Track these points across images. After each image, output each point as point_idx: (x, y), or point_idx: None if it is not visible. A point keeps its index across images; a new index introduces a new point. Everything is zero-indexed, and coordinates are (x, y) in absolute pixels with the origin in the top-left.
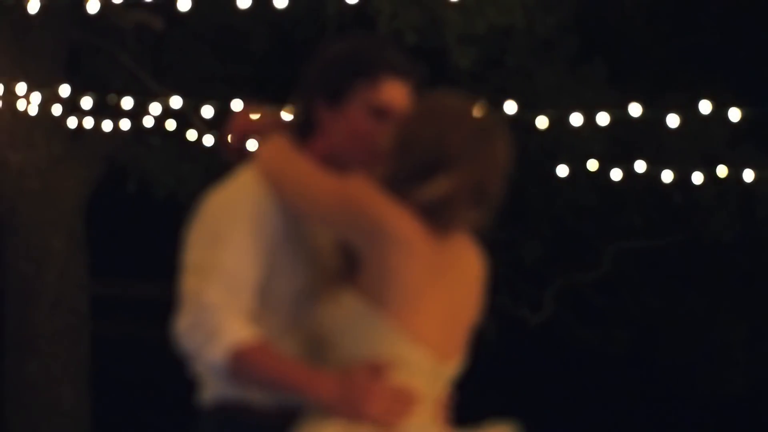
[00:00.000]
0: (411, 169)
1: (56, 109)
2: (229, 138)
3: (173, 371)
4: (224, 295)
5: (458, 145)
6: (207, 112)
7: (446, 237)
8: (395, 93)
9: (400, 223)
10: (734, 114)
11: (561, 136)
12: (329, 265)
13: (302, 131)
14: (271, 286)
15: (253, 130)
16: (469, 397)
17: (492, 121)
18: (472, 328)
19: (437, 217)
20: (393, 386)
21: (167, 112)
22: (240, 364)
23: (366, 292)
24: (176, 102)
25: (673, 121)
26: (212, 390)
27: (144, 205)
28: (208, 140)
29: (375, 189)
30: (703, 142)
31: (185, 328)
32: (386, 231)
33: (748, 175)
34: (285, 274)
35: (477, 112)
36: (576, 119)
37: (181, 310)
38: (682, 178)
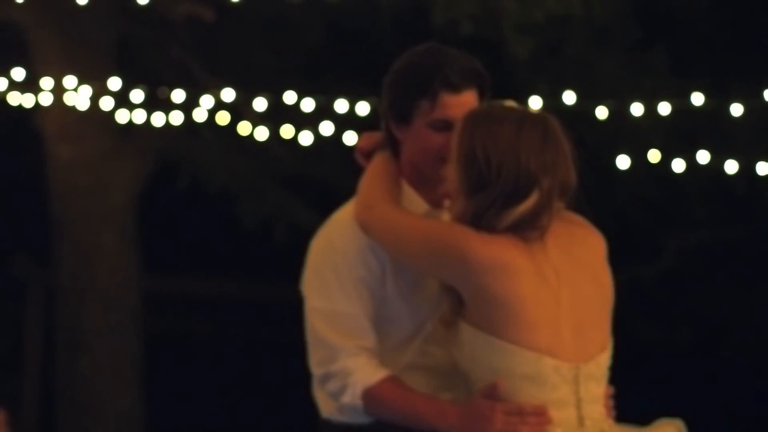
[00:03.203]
0: (498, 197)
1: (106, 103)
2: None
3: (226, 368)
4: (347, 339)
5: (534, 162)
6: (260, 104)
7: (546, 237)
8: (454, 106)
9: (486, 249)
10: None
11: (621, 127)
12: (441, 306)
13: (392, 149)
14: (389, 310)
15: (372, 149)
16: None
17: (546, 121)
18: (609, 316)
19: (531, 228)
20: (516, 403)
21: (219, 105)
22: (373, 403)
23: (478, 324)
24: (228, 95)
25: (736, 110)
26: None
27: (196, 199)
28: (261, 133)
29: (464, 231)
30: None
31: (320, 378)
32: (474, 261)
33: None
34: (400, 296)
35: (532, 117)
36: (637, 109)
37: (311, 348)
38: (746, 169)
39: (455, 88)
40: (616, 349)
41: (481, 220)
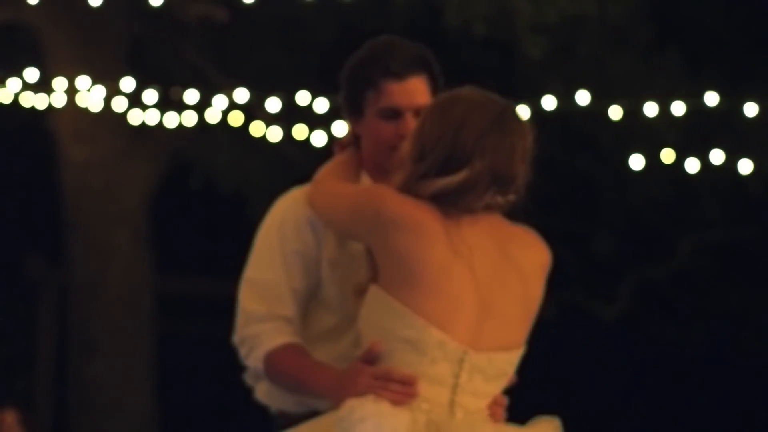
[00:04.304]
0: (429, 169)
1: (119, 104)
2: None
3: (239, 368)
4: (263, 306)
5: (472, 141)
6: (273, 105)
7: (474, 222)
8: (399, 94)
9: (401, 207)
10: None
11: (635, 127)
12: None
13: (357, 145)
14: (325, 292)
15: (348, 144)
16: (543, 392)
17: (506, 111)
18: (527, 325)
19: (452, 203)
20: (385, 367)
21: (232, 106)
22: (271, 368)
23: (383, 285)
24: (241, 95)
25: (750, 110)
26: (266, 401)
27: (209, 200)
28: (274, 134)
29: (384, 189)
30: None
31: (237, 342)
32: (386, 215)
33: None
34: (334, 281)
35: (491, 103)
36: (650, 109)
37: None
38: (760, 169)
39: (398, 76)
40: (630, 347)
41: (409, 187)
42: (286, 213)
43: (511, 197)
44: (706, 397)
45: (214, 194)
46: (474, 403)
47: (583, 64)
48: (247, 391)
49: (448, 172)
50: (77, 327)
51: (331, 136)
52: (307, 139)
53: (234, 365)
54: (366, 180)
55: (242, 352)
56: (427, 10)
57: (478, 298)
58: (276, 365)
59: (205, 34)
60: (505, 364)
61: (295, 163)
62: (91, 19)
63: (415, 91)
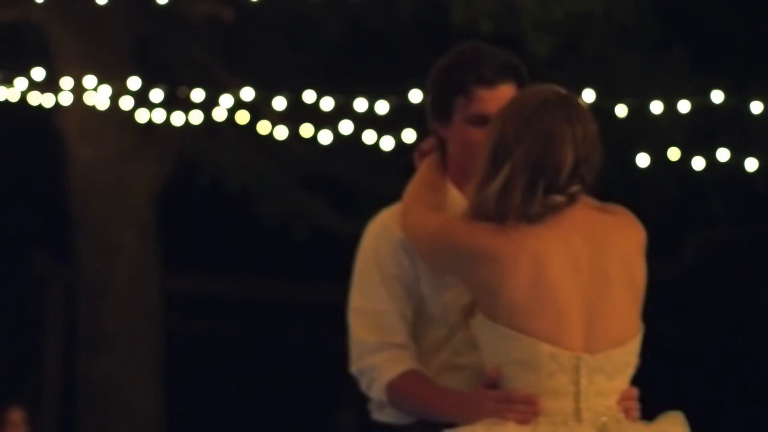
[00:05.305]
0: (485, 170)
1: (126, 103)
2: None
3: (246, 365)
4: (374, 336)
5: (512, 132)
6: (279, 103)
7: (557, 224)
8: (489, 101)
9: (473, 239)
10: None
11: (641, 125)
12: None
13: (440, 149)
14: (429, 309)
15: (430, 151)
16: None
17: (549, 98)
18: (639, 308)
19: (505, 209)
20: (507, 390)
21: (239, 104)
22: (395, 397)
23: (485, 312)
24: (248, 94)
25: (756, 107)
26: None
27: (216, 198)
28: (281, 132)
29: (455, 223)
30: None
31: (356, 374)
32: (463, 252)
33: None
34: (435, 301)
35: (535, 94)
36: (656, 107)
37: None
38: (766, 166)
39: (489, 83)
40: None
41: (478, 200)
42: (379, 239)
43: (586, 182)
44: (713, 394)
45: (220, 193)
46: (601, 403)
47: (589, 62)
48: (251, 390)
49: (496, 170)
50: (85, 325)
51: (337, 135)
52: (314, 138)
53: (239, 362)
54: (452, 190)
55: (362, 384)
56: (433, 7)
57: (582, 300)
58: (399, 394)
59: (212, 33)
60: (625, 356)
61: (302, 162)
62: (98, 18)
63: (505, 98)
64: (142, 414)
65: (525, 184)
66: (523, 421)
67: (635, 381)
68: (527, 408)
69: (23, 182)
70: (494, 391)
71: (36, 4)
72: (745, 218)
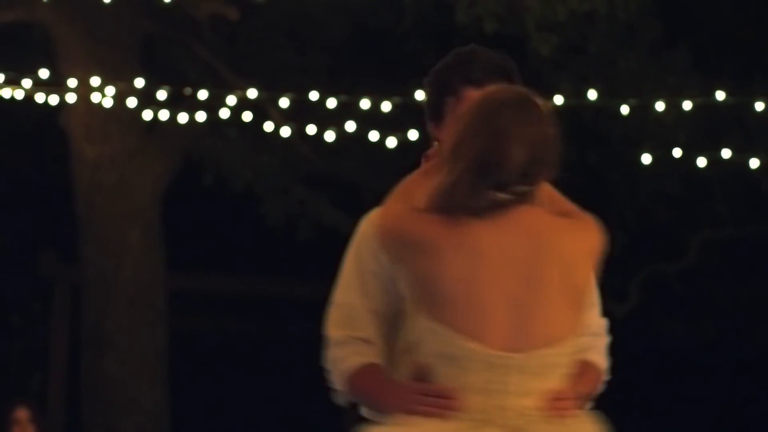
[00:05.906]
0: (443, 165)
1: (131, 102)
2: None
3: (251, 365)
4: (342, 329)
5: (470, 130)
6: (284, 103)
7: (497, 221)
8: None
9: (409, 228)
10: None
11: (645, 124)
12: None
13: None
14: (407, 307)
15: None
16: None
17: (509, 98)
18: (575, 314)
19: (459, 204)
20: (427, 384)
21: (244, 104)
22: (353, 390)
23: (417, 305)
24: (253, 93)
25: (760, 106)
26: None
27: (221, 197)
28: (285, 131)
29: (390, 212)
30: None
31: (327, 367)
32: (399, 240)
33: None
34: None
35: (491, 94)
36: (660, 106)
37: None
38: None
39: (478, 84)
40: (641, 344)
41: (434, 193)
42: (362, 235)
43: (537, 183)
44: (716, 393)
45: (225, 191)
46: (524, 402)
47: (593, 61)
48: (255, 388)
49: (451, 165)
50: (90, 324)
51: (341, 134)
52: (318, 137)
53: (243, 361)
54: None
55: (330, 378)
56: (437, 7)
57: (512, 299)
58: (354, 387)
59: (217, 32)
60: (554, 357)
61: (306, 161)
62: (104, 17)
63: None
64: (147, 412)
65: (471, 180)
66: (436, 415)
67: (643, 377)
68: (441, 402)
69: (29, 181)
70: (413, 384)
71: (42, 4)
72: (749, 217)
